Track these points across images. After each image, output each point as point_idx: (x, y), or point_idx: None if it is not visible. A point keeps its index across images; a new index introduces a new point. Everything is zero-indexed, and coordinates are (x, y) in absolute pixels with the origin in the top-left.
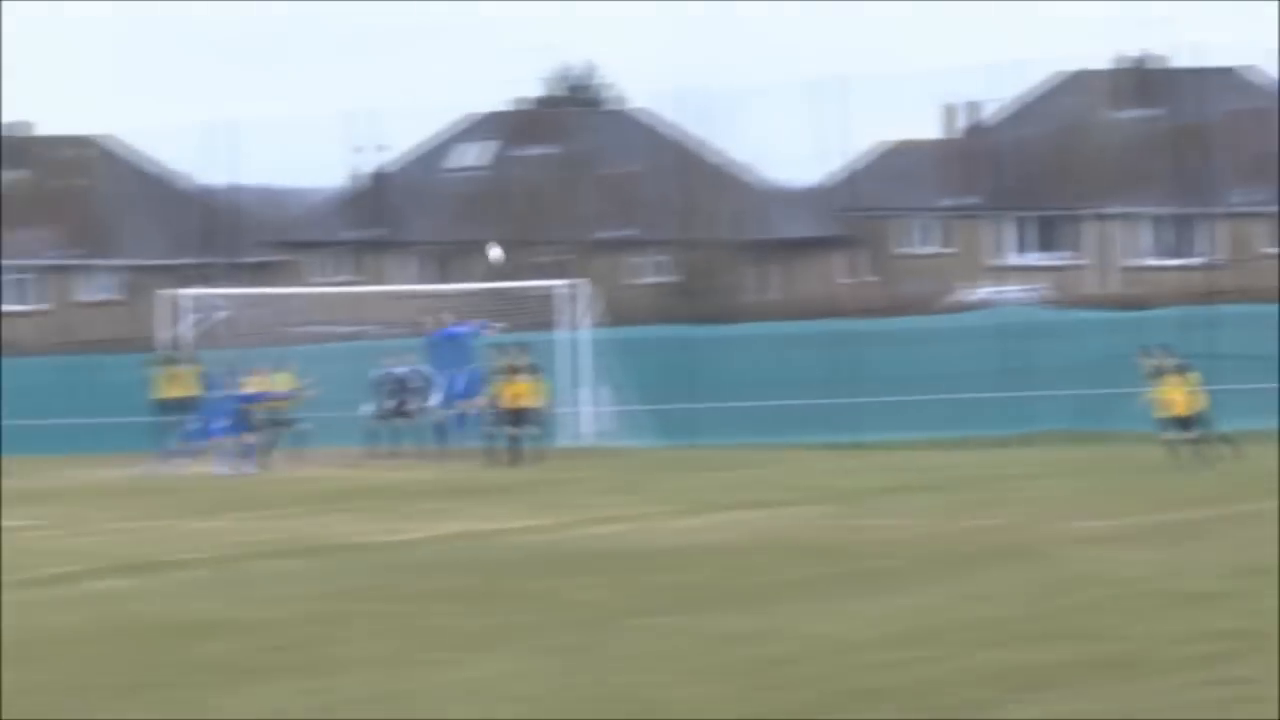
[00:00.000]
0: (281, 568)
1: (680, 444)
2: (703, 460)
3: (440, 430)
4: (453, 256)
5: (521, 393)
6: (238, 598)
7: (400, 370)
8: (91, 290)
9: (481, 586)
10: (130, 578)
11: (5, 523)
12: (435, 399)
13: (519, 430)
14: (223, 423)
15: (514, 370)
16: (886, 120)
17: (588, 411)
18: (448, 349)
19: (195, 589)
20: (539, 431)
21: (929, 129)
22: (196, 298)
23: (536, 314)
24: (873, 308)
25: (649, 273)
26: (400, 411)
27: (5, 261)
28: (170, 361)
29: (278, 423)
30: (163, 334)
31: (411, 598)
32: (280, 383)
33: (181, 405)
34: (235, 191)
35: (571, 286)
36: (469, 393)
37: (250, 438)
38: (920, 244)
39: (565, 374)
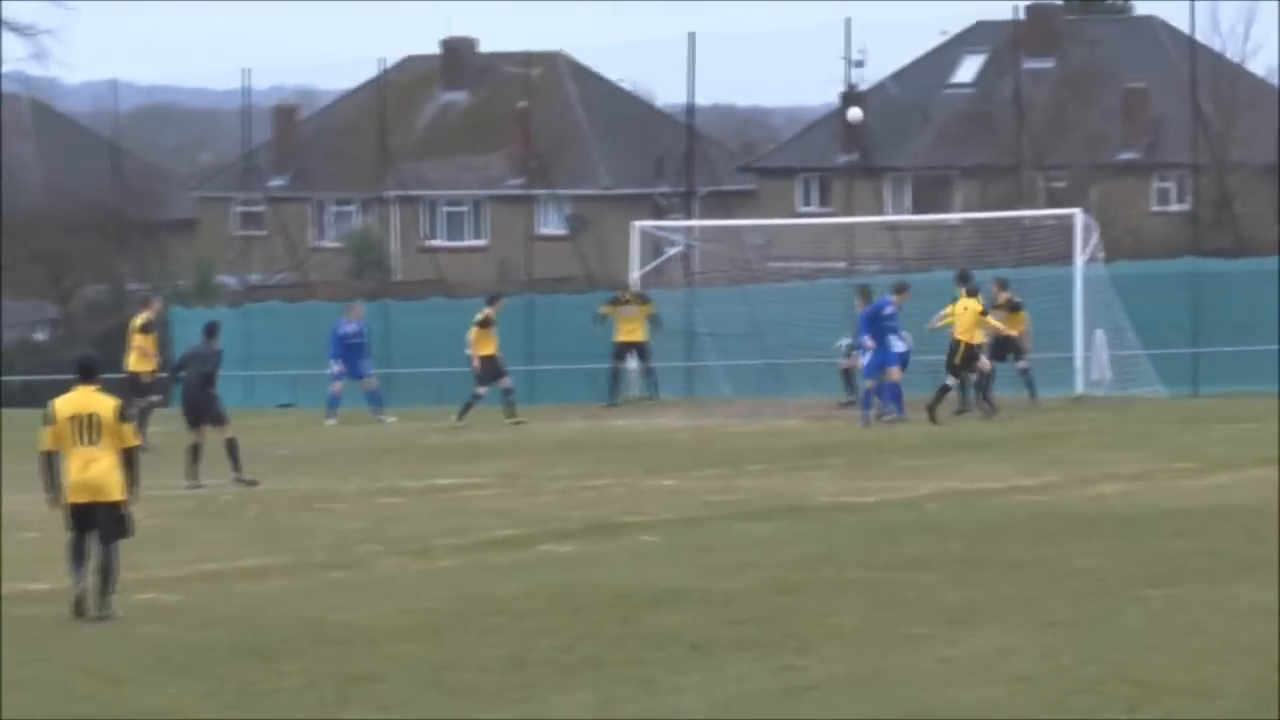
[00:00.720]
0: (745, 532)
1: (1182, 393)
2: (1207, 410)
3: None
4: (931, 185)
5: (1013, 325)
6: (697, 565)
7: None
8: (539, 223)
9: (967, 553)
10: (580, 542)
11: (445, 480)
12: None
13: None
14: None
15: (1013, 306)
16: None
17: (1088, 357)
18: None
19: (651, 555)
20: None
21: None
22: (654, 229)
23: (1033, 248)
24: None
25: (1156, 201)
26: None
27: (443, 193)
28: (627, 301)
29: None
30: (630, 269)
31: (888, 566)
32: None
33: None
34: (695, 112)
35: (1070, 217)
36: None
37: None
38: None
39: (1060, 315)
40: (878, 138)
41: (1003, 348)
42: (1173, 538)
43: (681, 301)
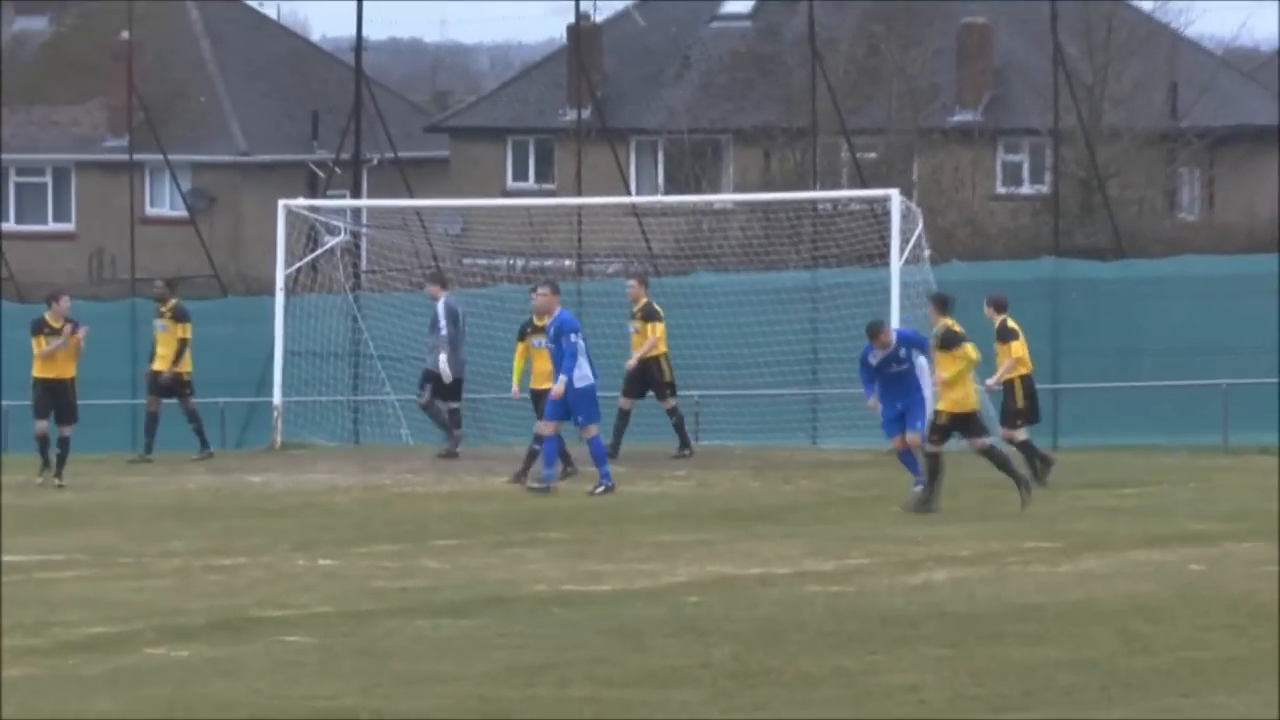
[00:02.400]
0: (432, 632)
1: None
2: (1073, 470)
3: None
4: (694, 155)
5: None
6: (365, 677)
7: None
8: (147, 201)
9: (740, 663)
10: (203, 644)
11: (13, 557)
12: None
13: None
14: None
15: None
16: None
17: None
18: None
19: (301, 662)
20: None
21: None
22: (307, 211)
23: (832, 242)
24: None
25: (1003, 180)
26: None
27: (13, 157)
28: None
29: None
30: (276, 264)
31: (632, 680)
32: None
33: None
34: (365, 48)
35: (885, 200)
36: None
37: None
38: None
39: None
40: (620, 88)
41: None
42: (1024, 645)
43: (343, 311)
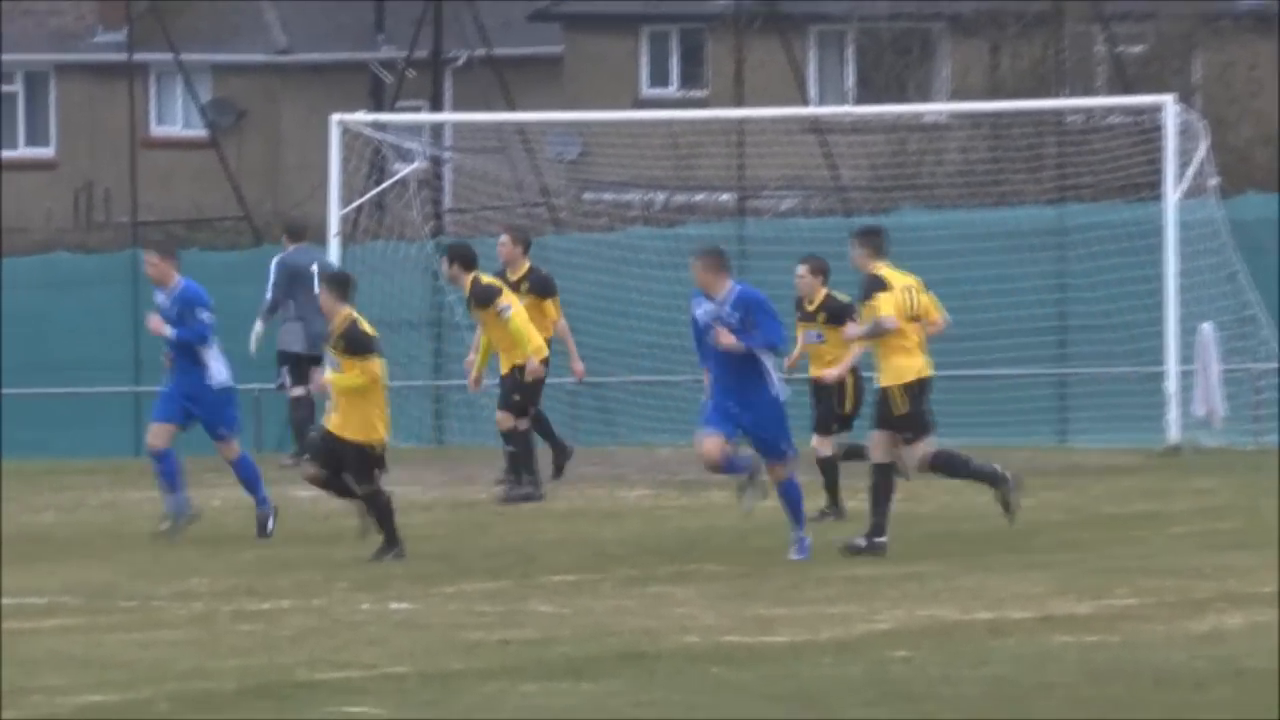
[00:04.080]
0: None
1: None
2: None
3: None
4: (895, 49)
5: None
6: None
7: None
8: (153, 117)
9: None
10: None
11: None
12: None
13: None
14: None
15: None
16: None
17: (1193, 373)
18: None
19: None
20: None
21: None
22: (369, 129)
23: (1084, 169)
24: None
25: None
26: None
27: None
28: None
29: None
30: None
31: None
32: None
33: None
34: None
35: (1157, 111)
36: None
37: None
38: None
39: (1139, 295)
40: None
41: None
42: None
43: (419, 265)
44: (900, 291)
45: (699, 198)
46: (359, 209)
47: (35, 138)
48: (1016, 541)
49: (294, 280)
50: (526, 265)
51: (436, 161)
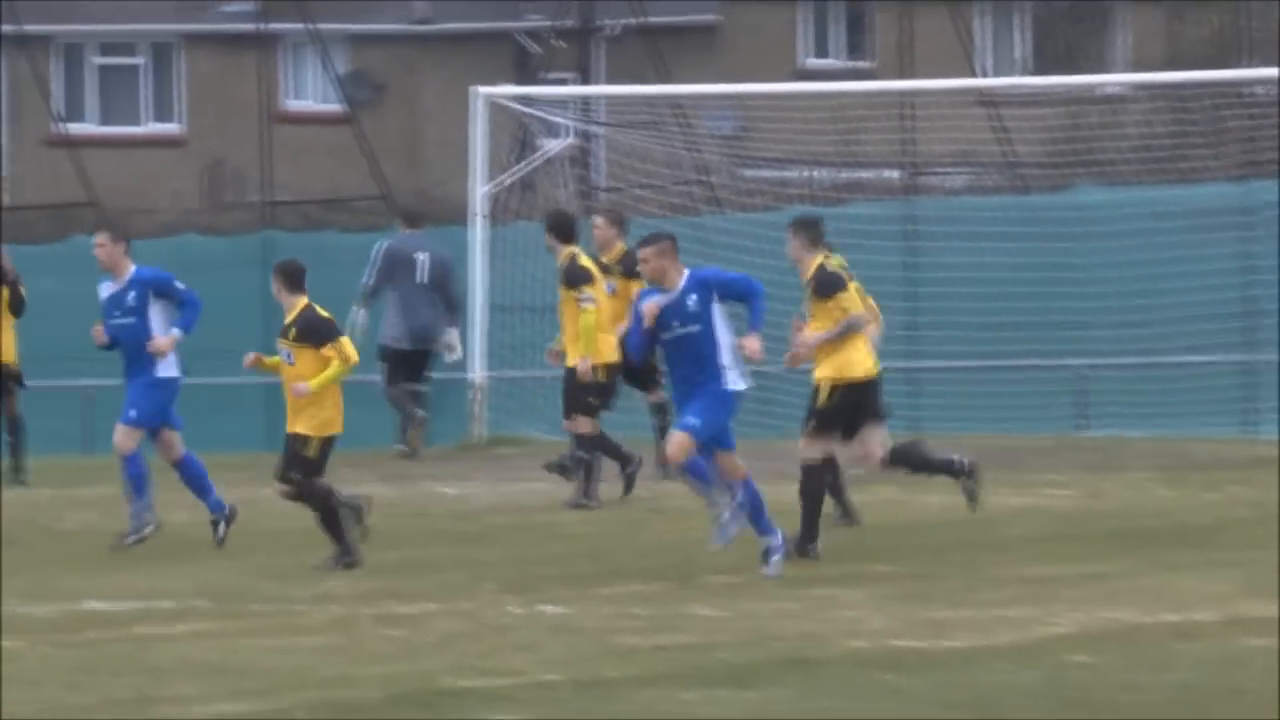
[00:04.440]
0: None
1: None
2: None
3: None
4: (1070, 19)
5: None
6: None
7: None
8: (285, 91)
9: None
10: None
11: None
12: None
13: None
14: None
15: None
16: None
17: None
18: None
19: None
20: None
21: None
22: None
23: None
24: None
25: None
26: None
27: (97, 28)
28: None
29: None
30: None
31: None
32: None
33: None
34: None
35: None
36: None
37: None
38: None
39: None
40: None
41: None
42: None
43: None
44: (854, 286)
45: (864, 175)
46: (505, 187)
47: (162, 113)
48: (1201, 539)
49: (398, 267)
50: (621, 247)
51: (586, 137)
